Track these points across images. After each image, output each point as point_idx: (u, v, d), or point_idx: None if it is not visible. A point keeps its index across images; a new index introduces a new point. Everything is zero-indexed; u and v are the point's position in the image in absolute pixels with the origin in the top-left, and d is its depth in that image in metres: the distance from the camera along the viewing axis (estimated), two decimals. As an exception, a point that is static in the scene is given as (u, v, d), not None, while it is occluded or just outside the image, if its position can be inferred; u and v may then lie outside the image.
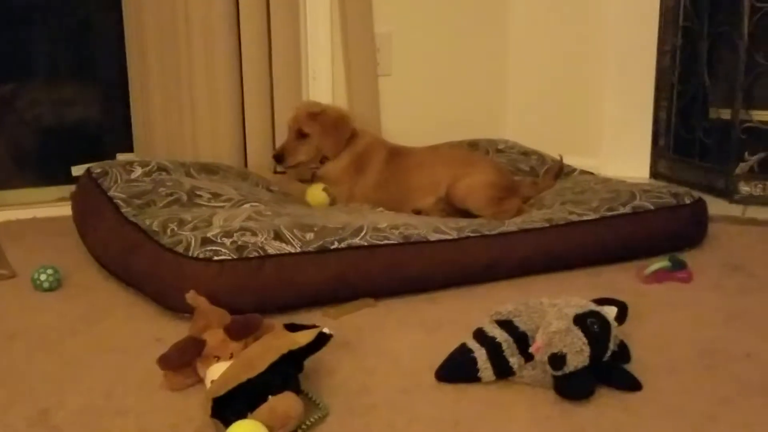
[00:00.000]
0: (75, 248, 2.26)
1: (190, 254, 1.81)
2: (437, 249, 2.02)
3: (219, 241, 1.85)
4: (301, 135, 2.55)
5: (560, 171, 2.73)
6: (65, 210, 2.42)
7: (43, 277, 2.00)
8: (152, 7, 2.76)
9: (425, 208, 2.39)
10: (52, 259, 2.11)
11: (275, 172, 2.80)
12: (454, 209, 2.36)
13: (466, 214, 2.32)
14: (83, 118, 3.09)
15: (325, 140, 2.55)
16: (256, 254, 1.84)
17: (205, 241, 1.84)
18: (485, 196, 2.33)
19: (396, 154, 2.59)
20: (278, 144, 2.72)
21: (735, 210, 2.77)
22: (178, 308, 1.75)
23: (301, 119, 2.55)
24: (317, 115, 2.55)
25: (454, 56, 3.23)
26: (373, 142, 2.63)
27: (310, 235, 1.93)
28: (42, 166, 3.02)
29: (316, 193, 2.54)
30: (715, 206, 2.65)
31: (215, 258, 1.81)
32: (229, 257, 1.81)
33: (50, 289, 2.00)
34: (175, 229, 1.94)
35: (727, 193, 2.87)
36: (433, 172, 2.46)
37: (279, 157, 2.57)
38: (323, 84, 2.97)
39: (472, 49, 3.26)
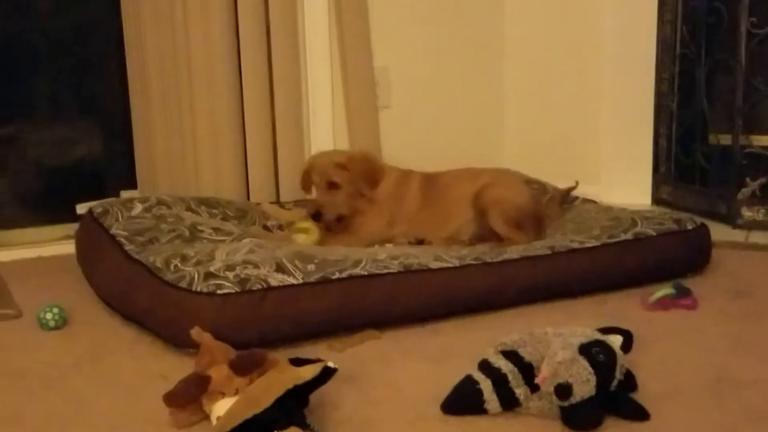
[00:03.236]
0: (80, 286, 2.26)
1: (193, 289, 1.82)
2: (439, 277, 2.02)
3: (222, 274, 1.85)
4: (331, 186, 2.50)
5: (565, 198, 2.72)
6: (70, 248, 2.43)
7: (48, 315, 2.00)
8: (154, 45, 2.79)
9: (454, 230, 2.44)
10: (57, 297, 2.11)
11: (278, 204, 2.80)
12: (477, 222, 2.39)
13: (483, 237, 2.35)
14: (87, 156, 3.11)
15: (361, 182, 2.50)
16: (259, 287, 1.84)
17: (209, 276, 1.85)
18: (507, 213, 2.35)
19: (428, 178, 2.61)
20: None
21: (738, 235, 2.77)
22: (183, 344, 1.75)
23: (328, 171, 2.50)
24: (344, 163, 2.51)
25: (453, 87, 3.25)
26: (404, 172, 2.62)
27: (311, 266, 1.93)
28: (47, 205, 3.02)
29: (305, 227, 2.46)
30: (718, 232, 2.65)
31: (219, 292, 1.81)
32: (233, 290, 1.81)
33: (56, 328, 2.00)
34: (179, 264, 1.95)
35: (730, 219, 2.87)
36: (471, 183, 2.50)
37: (317, 215, 2.48)
38: (324, 118, 2.99)
39: (469, 79, 3.29)
